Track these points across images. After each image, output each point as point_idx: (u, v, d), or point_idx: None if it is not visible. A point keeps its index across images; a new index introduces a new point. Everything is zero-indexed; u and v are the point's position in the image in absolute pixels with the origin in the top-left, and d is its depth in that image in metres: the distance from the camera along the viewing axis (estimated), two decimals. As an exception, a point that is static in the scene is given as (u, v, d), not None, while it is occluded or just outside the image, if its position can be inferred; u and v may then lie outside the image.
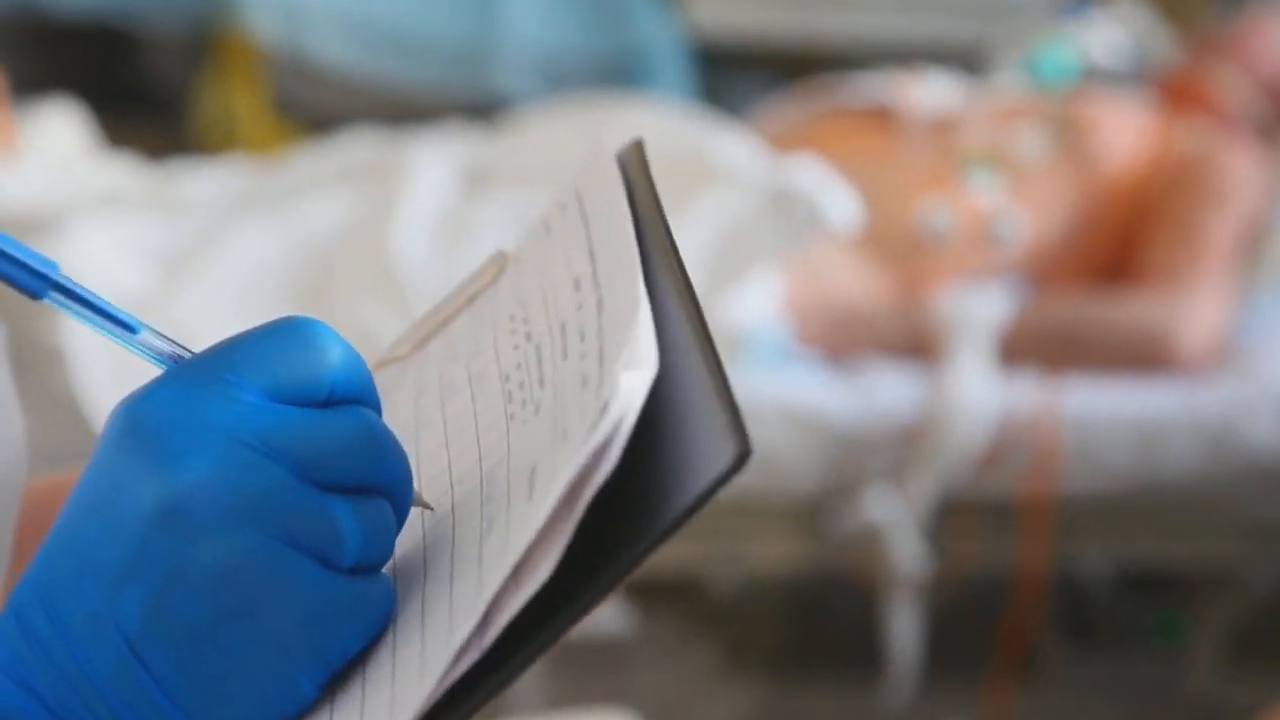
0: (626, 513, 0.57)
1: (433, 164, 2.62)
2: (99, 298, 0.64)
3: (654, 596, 2.54)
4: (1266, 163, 2.68)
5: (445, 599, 0.60)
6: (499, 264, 0.74)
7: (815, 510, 2.43)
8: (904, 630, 2.45)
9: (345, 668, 0.60)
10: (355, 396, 0.62)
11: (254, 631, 0.58)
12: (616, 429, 0.56)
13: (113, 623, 0.58)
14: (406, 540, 0.65)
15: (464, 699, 0.57)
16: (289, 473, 0.59)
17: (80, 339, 2.17)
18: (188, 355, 0.63)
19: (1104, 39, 3.00)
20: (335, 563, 0.59)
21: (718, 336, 2.21)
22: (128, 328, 0.64)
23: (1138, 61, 3.00)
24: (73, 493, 0.60)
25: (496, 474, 0.63)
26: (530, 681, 2.42)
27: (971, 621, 2.58)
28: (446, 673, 0.56)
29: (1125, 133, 2.68)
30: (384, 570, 0.62)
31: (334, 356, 0.61)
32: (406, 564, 0.64)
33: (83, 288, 0.64)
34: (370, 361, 0.76)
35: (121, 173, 2.72)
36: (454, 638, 0.56)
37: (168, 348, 0.64)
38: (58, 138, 2.74)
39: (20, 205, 2.49)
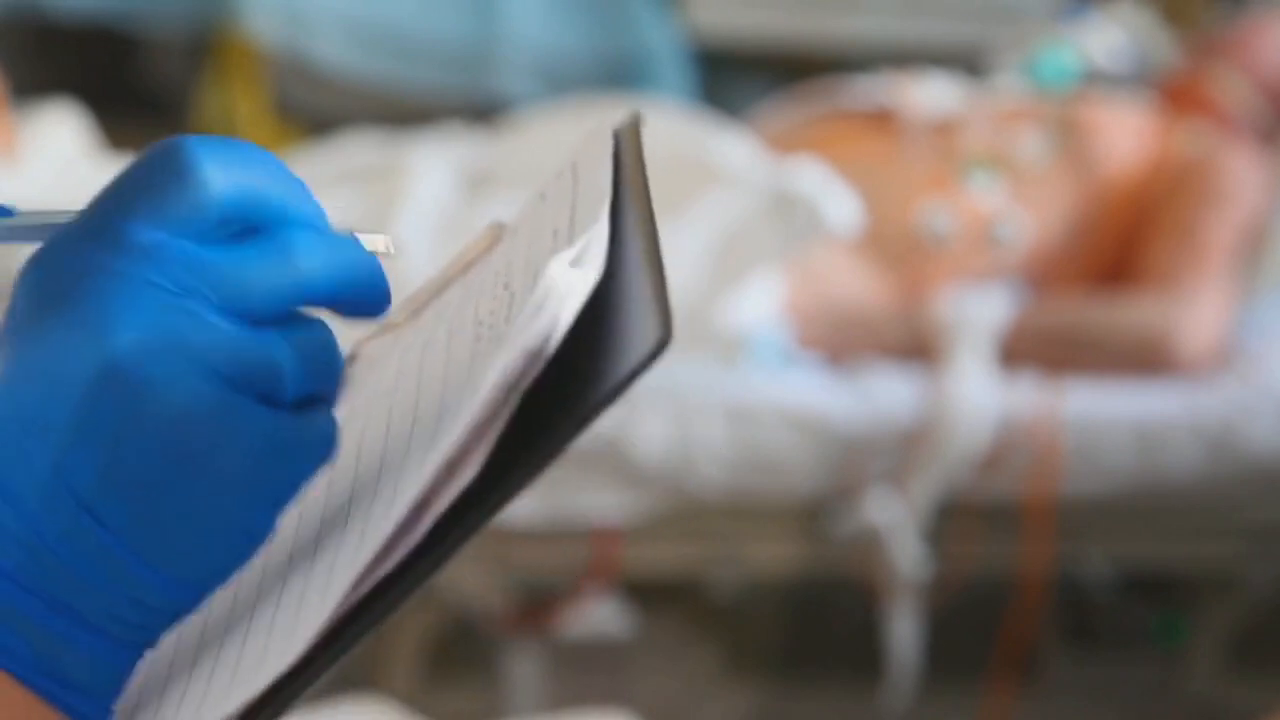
0: (561, 407, 0.58)
1: (433, 166, 2.62)
2: None
3: (655, 598, 2.54)
4: (1267, 165, 2.68)
5: (390, 498, 0.61)
6: (496, 232, 0.76)
7: (816, 512, 2.43)
8: (904, 633, 2.45)
9: (293, 560, 0.62)
10: (251, 211, 0.62)
11: (206, 476, 0.59)
12: (553, 322, 0.57)
13: (65, 485, 0.58)
14: (365, 463, 0.67)
15: (400, 581, 0.59)
16: (213, 310, 0.59)
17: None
18: (66, 219, 0.62)
19: (1104, 41, 3.00)
20: (278, 398, 0.59)
21: (719, 339, 2.18)
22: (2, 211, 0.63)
23: (1138, 64, 3.00)
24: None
25: (452, 398, 0.64)
26: (531, 682, 2.42)
27: (972, 624, 2.58)
28: (379, 557, 0.57)
29: (1126, 135, 2.68)
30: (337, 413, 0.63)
31: (211, 175, 0.61)
32: (360, 482, 0.65)
33: None
34: (367, 331, 0.77)
35: (122, 175, 2.72)
36: (387, 525, 0.58)
37: (44, 220, 0.64)
38: (58, 140, 2.74)
39: (20, 208, 2.49)
